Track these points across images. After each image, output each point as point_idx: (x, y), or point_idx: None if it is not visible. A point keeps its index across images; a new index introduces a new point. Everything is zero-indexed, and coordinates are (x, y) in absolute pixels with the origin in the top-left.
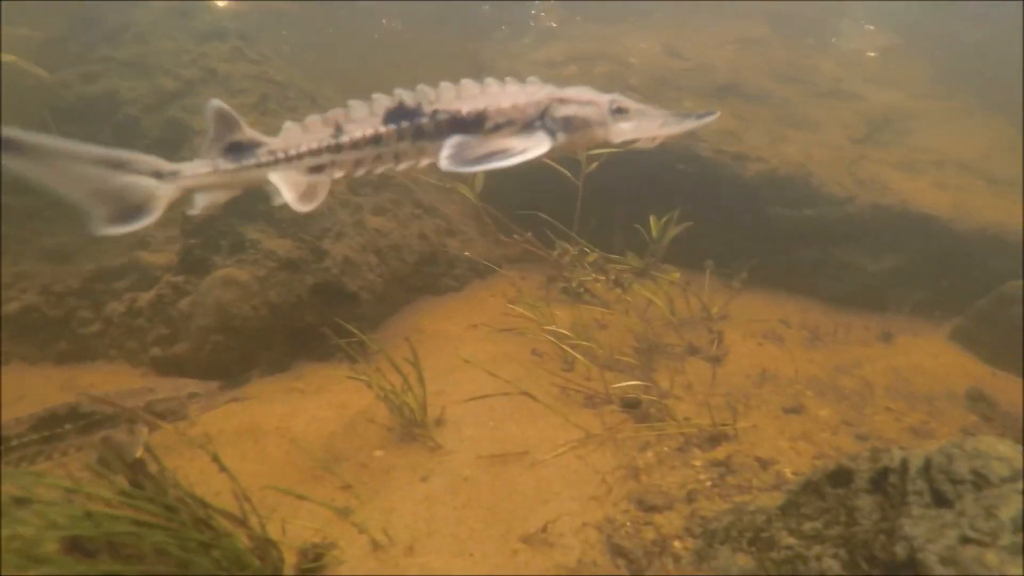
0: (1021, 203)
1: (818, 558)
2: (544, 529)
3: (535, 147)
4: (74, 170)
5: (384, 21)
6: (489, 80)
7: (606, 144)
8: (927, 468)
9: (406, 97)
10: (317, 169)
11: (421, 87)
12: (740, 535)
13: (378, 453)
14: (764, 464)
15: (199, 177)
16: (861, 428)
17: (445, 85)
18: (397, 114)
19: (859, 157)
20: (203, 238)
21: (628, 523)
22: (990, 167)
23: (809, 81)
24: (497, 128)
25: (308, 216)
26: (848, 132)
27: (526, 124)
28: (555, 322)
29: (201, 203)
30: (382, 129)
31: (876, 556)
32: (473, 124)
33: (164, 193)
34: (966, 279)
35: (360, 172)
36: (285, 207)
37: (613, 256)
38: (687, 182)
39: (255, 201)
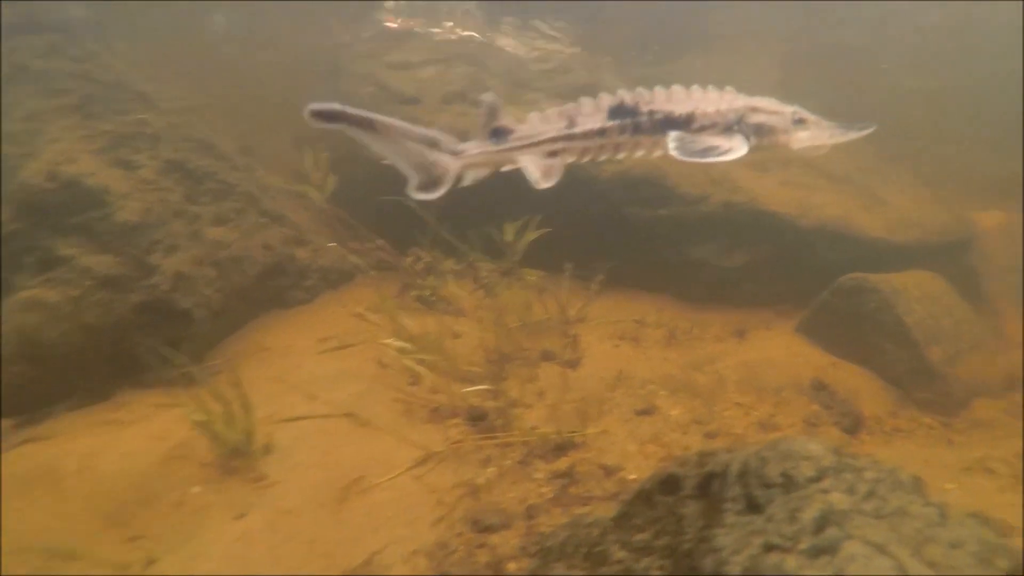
0: (856, 199)
1: (646, 571)
2: (369, 561)
3: (737, 148)
4: (407, 146)
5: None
6: (694, 87)
7: (785, 149)
8: (743, 473)
9: (626, 97)
10: (553, 154)
11: (639, 89)
12: (575, 551)
13: (195, 490)
14: (609, 471)
15: (475, 156)
16: (711, 426)
17: (658, 89)
18: (619, 111)
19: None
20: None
21: (461, 547)
22: (830, 166)
23: (666, 83)
24: (703, 128)
25: (135, 228)
26: None
27: (726, 127)
28: (407, 332)
29: (469, 179)
30: (607, 124)
31: (696, 567)
32: (683, 123)
33: (455, 168)
34: (813, 273)
35: (586, 158)
36: (106, 218)
37: (469, 262)
38: None
39: (68, 213)
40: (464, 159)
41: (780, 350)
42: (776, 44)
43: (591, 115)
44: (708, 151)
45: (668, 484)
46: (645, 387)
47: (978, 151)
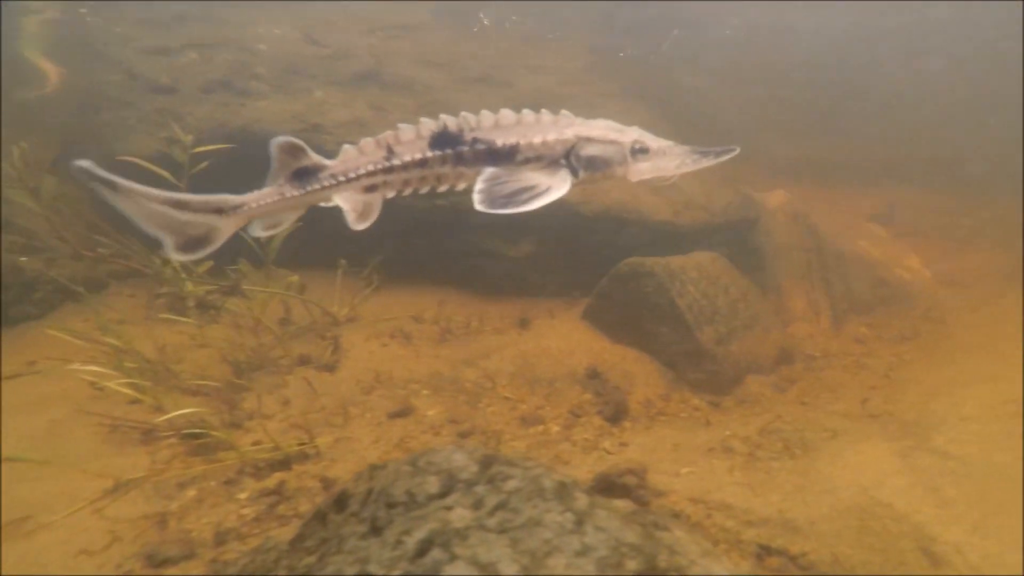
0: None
1: None
2: None
3: (558, 186)
4: (151, 208)
5: None
6: (526, 111)
7: (623, 181)
8: (370, 492)
9: (450, 123)
10: (372, 189)
11: (464, 114)
12: None
13: None
14: (328, 484)
15: (265, 207)
16: (467, 424)
17: (485, 113)
18: (441, 139)
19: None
20: None
21: None
22: None
23: (460, 67)
24: (527, 162)
25: None
26: None
27: (553, 160)
28: (152, 344)
29: (261, 228)
30: (429, 154)
31: None
32: (506, 156)
33: (227, 225)
34: (600, 259)
35: (408, 191)
36: None
37: (230, 267)
38: None
39: None
40: (246, 213)
41: (561, 339)
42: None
43: (411, 144)
44: (520, 195)
45: (340, 502)
46: (407, 387)
47: (769, 135)
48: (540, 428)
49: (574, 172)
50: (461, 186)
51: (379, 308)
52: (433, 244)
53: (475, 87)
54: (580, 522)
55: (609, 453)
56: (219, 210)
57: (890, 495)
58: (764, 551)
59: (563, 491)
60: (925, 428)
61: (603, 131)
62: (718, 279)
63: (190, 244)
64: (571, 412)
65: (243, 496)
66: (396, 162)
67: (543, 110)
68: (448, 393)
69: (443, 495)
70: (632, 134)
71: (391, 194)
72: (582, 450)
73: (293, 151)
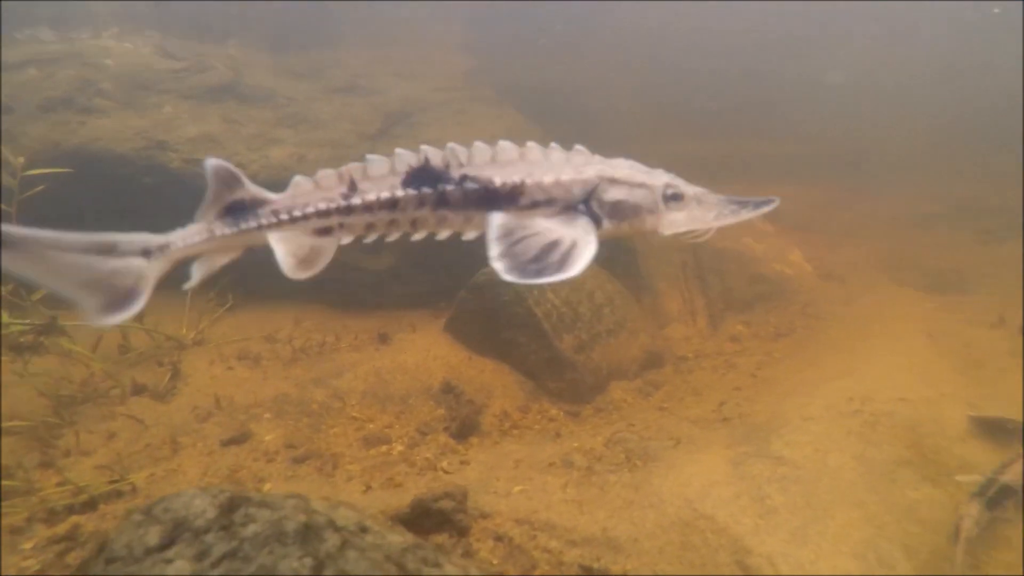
0: None
1: None
2: None
3: (584, 241)
4: (62, 261)
5: None
6: (530, 144)
7: (652, 234)
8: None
9: (432, 155)
10: (324, 232)
11: (451, 145)
12: None
13: None
14: None
15: (192, 247)
16: (304, 448)
17: (479, 146)
18: (420, 175)
19: (366, 153)
20: None
21: None
22: None
23: (326, 77)
24: (534, 205)
25: None
26: (360, 128)
27: (568, 205)
28: None
29: (197, 274)
30: (400, 193)
31: None
32: (507, 199)
33: (152, 271)
34: (463, 268)
35: (371, 237)
36: None
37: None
38: (155, 196)
39: None
40: (172, 255)
41: (420, 353)
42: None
43: (381, 179)
44: (546, 254)
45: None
46: (248, 412)
47: (670, 134)
48: (383, 448)
49: (596, 220)
50: (444, 234)
51: (231, 329)
52: None
53: (340, 97)
54: (320, 566)
55: (447, 473)
56: (145, 252)
57: (713, 507)
58: (585, 572)
59: (308, 533)
60: (768, 432)
61: (629, 172)
62: (582, 285)
63: (115, 301)
64: (419, 430)
65: (28, 546)
66: (357, 201)
67: (552, 144)
68: (292, 416)
69: (164, 547)
70: (663, 177)
71: (348, 239)
72: (418, 471)
73: (227, 179)
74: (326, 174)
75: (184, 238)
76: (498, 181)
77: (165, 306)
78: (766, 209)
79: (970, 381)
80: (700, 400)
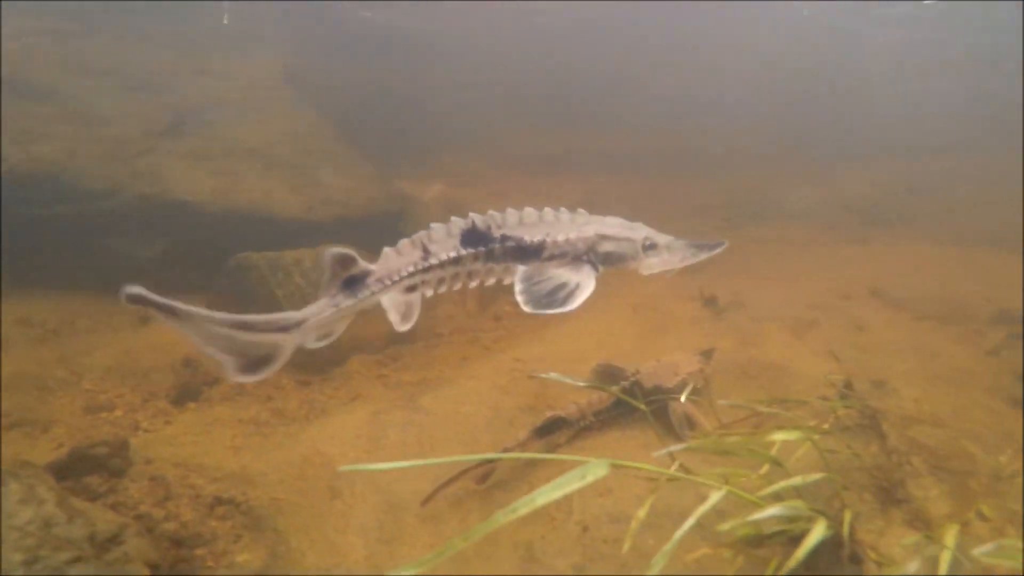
0: (287, 183)
1: None
2: None
3: (585, 283)
4: (210, 330)
5: None
6: (547, 210)
7: (634, 274)
8: None
9: (478, 220)
10: (411, 289)
11: (490, 212)
12: None
13: None
14: None
15: (323, 320)
16: (14, 417)
17: (510, 211)
18: (471, 236)
19: (147, 150)
20: None
21: None
22: (275, 152)
23: (119, 75)
24: (552, 258)
25: None
26: (148, 125)
27: (576, 256)
28: None
29: (321, 340)
30: (462, 252)
31: None
32: (534, 252)
33: (288, 343)
34: (230, 255)
35: (442, 289)
36: None
37: None
38: None
39: None
40: (308, 329)
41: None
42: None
43: (443, 242)
44: (556, 292)
45: None
46: None
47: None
48: (104, 415)
49: (594, 267)
50: (490, 281)
51: None
52: (51, 250)
53: (134, 94)
54: None
55: (146, 432)
56: (284, 328)
57: (331, 446)
58: (217, 501)
59: None
60: (431, 389)
61: (618, 229)
62: None
63: (252, 364)
64: (143, 398)
65: None
66: (433, 261)
67: (561, 208)
68: (23, 391)
69: None
70: (643, 231)
71: (429, 293)
72: (120, 430)
73: (344, 261)
74: (404, 243)
75: (315, 314)
76: (527, 239)
77: None
78: (718, 251)
79: (643, 343)
80: (424, 368)
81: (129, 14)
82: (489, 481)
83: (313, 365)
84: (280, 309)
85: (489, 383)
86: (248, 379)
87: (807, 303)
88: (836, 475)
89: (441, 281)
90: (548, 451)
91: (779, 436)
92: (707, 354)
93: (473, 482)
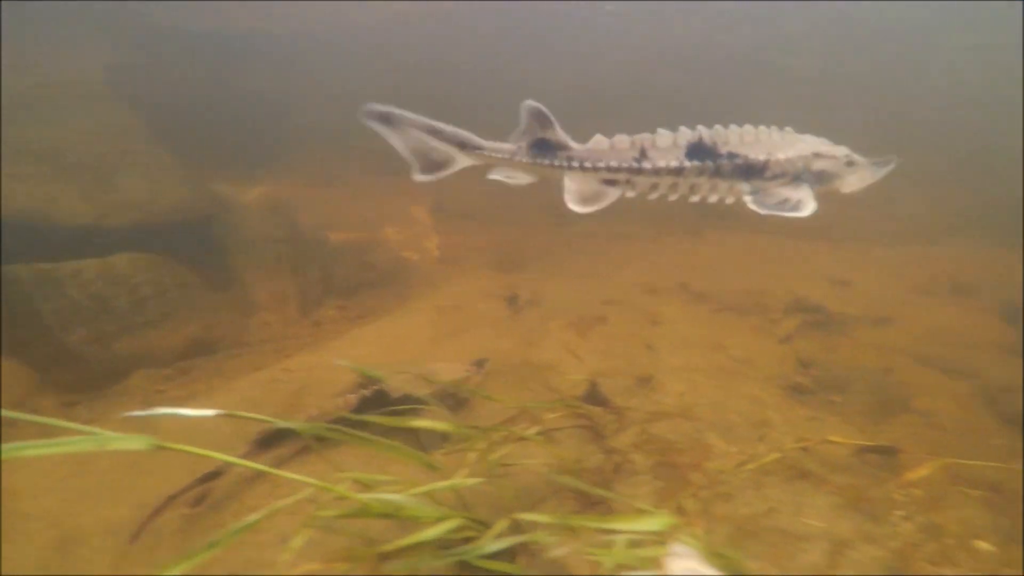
0: (78, 186)
1: None
2: None
3: (806, 202)
4: (411, 134)
5: None
6: (761, 127)
7: (836, 193)
8: None
9: (705, 134)
10: (611, 183)
11: (717, 127)
12: None
13: None
14: None
15: (494, 157)
16: None
17: (733, 127)
18: (698, 150)
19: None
20: None
21: None
22: (71, 151)
23: None
24: (774, 178)
25: None
26: None
27: (795, 176)
28: None
29: (500, 175)
30: (686, 163)
31: None
32: (759, 171)
33: (461, 160)
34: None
35: (653, 195)
36: None
37: None
38: None
39: None
40: (479, 155)
41: None
42: None
43: (667, 150)
44: (782, 205)
45: None
46: None
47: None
48: None
49: (811, 185)
50: (714, 198)
51: None
52: None
53: None
54: None
55: None
56: (463, 145)
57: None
58: None
59: None
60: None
61: (827, 147)
62: (128, 279)
63: (430, 167)
64: None
65: None
66: (647, 165)
67: (773, 126)
68: None
69: None
70: (843, 148)
71: (632, 194)
72: None
73: (540, 119)
74: (621, 138)
75: (493, 149)
76: (754, 157)
77: None
78: (891, 167)
79: (435, 348)
80: (207, 380)
81: None
82: (205, 503)
83: (83, 383)
84: (45, 326)
85: (239, 396)
86: (425, 178)
87: (604, 299)
88: (505, 481)
89: (655, 187)
90: (274, 465)
91: (421, 423)
92: (480, 363)
93: (186, 507)
